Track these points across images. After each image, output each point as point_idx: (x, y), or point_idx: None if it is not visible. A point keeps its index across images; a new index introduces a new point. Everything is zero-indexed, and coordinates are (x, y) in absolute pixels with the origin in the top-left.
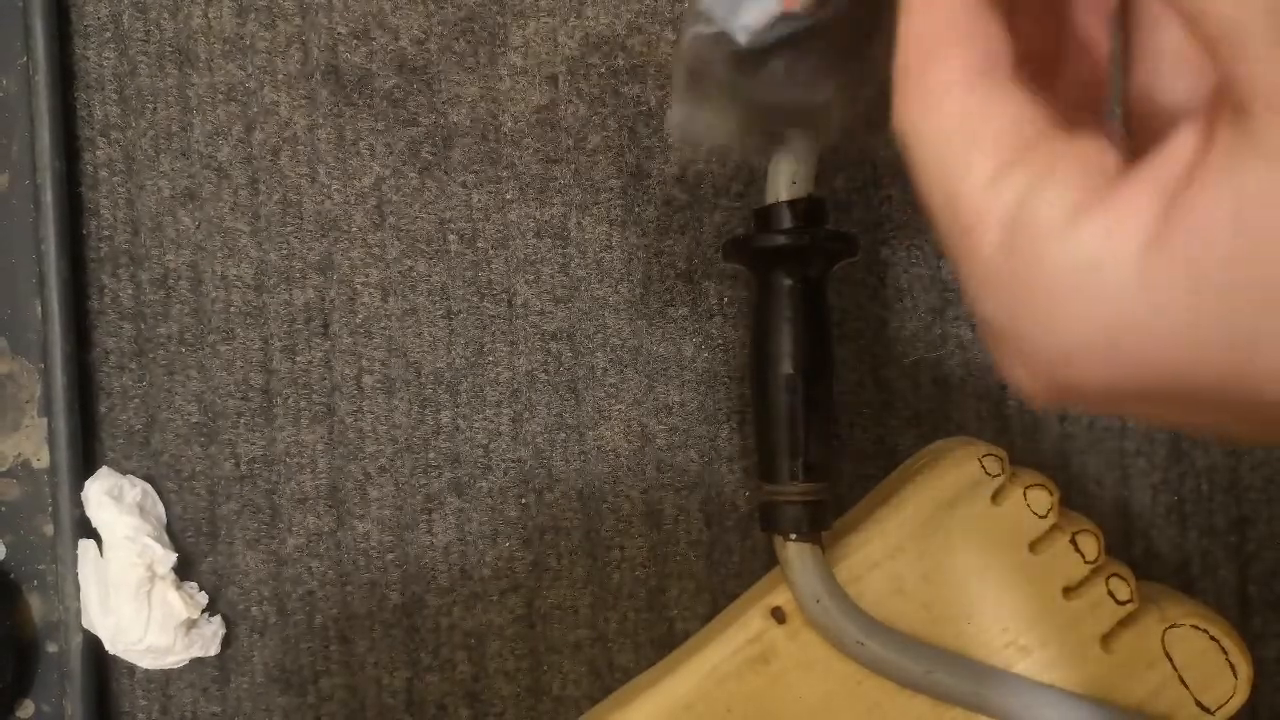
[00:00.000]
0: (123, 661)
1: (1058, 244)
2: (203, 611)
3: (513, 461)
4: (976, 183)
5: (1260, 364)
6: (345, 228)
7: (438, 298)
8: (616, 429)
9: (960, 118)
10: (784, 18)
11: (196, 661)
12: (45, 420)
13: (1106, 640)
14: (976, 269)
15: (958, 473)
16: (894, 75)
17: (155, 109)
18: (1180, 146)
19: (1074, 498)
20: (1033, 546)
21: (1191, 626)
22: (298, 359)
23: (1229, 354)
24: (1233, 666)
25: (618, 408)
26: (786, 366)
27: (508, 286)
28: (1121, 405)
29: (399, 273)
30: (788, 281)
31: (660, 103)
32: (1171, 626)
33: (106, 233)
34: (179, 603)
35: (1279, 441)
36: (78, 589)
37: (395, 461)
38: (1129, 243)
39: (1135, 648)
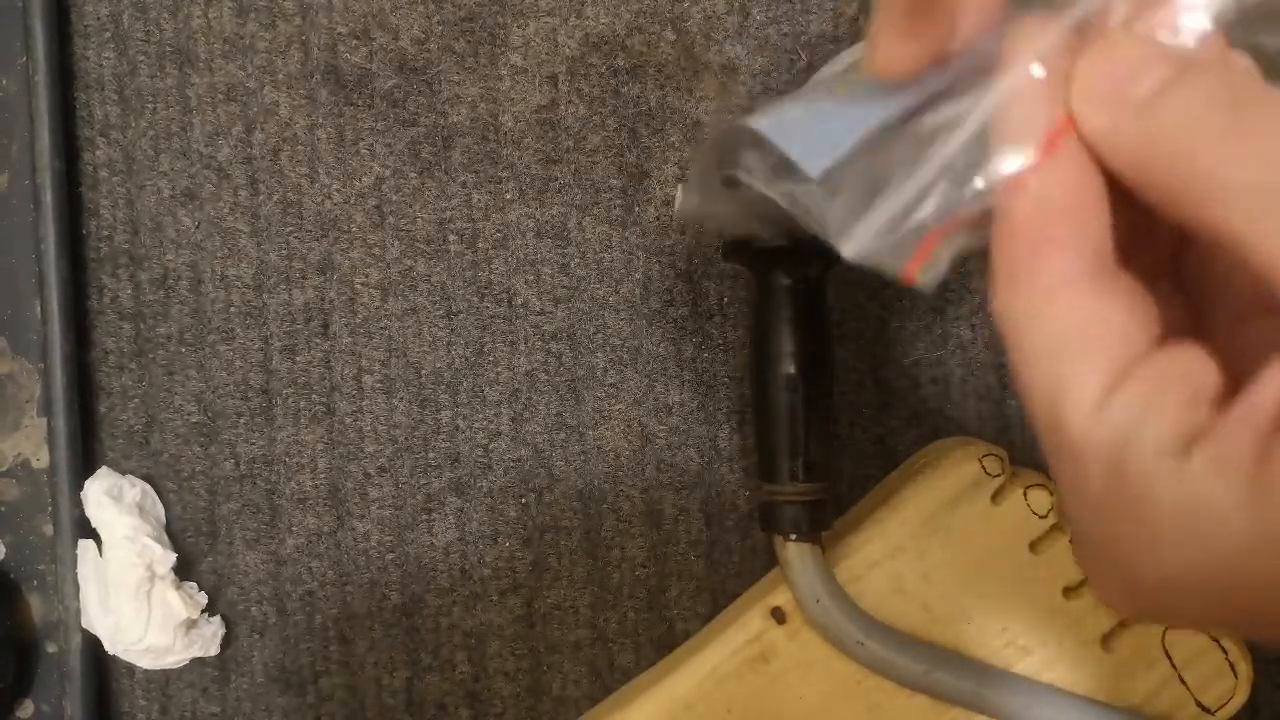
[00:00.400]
0: (122, 661)
1: (1166, 477)
2: (202, 611)
3: (513, 461)
4: (1085, 403)
5: None
6: (345, 228)
7: (438, 298)
8: (616, 429)
9: (1071, 325)
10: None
11: (196, 661)
12: (45, 420)
13: (1107, 640)
14: (1080, 491)
15: (958, 473)
16: (995, 261)
17: (155, 109)
18: (1272, 380)
19: None
20: (1033, 546)
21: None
22: (297, 359)
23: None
24: (1233, 666)
25: (618, 408)
26: (786, 366)
27: (508, 286)
28: (1210, 626)
29: (399, 273)
30: (788, 281)
31: (660, 103)
32: (1172, 626)
33: (106, 233)
34: (179, 603)
35: None
36: (77, 589)
37: (395, 461)
38: (1234, 479)
39: (1135, 648)
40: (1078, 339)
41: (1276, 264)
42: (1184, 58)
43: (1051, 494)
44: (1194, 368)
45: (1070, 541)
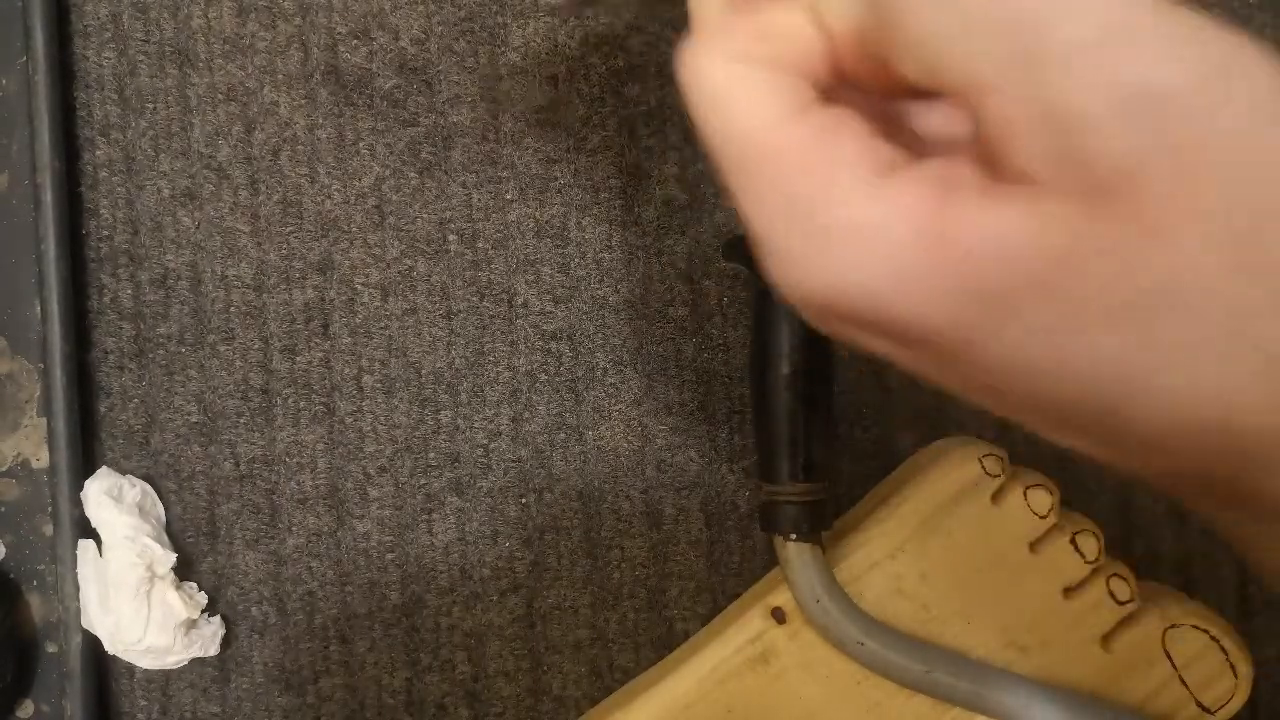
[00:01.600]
0: (122, 661)
1: (858, 191)
2: (202, 611)
3: (513, 461)
4: (784, 109)
5: (979, 338)
6: (345, 228)
7: (438, 298)
8: (616, 429)
9: (757, 66)
10: None
11: (196, 662)
12: (45, 420)
13: (1107, 640)
14: (761, 195)
15: (958, 473)
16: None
17: (155, 109)
18: (955, 165)
19: (1074, 498)
20: (1033, 546)
21: (1192, 626)
22: (297, 359)
23: (960, 329)
24: (1233, 666)
25: (618, 408)
26: (786, 366)
27: (508, 286)
28: (868, 337)
29: (399, 273)
30: None
31: (660, 103)
32: (1172, 626)
33: (106, 233)
34: (178, 603)
35: (990, 404)
36: (77, 589)
37: (395, 461)
38: (918, 208)
39: (1135, 648)
40: (780, 48)
41: (998, 114)
42: None
43: (1052, 494)
44: (862, 125)
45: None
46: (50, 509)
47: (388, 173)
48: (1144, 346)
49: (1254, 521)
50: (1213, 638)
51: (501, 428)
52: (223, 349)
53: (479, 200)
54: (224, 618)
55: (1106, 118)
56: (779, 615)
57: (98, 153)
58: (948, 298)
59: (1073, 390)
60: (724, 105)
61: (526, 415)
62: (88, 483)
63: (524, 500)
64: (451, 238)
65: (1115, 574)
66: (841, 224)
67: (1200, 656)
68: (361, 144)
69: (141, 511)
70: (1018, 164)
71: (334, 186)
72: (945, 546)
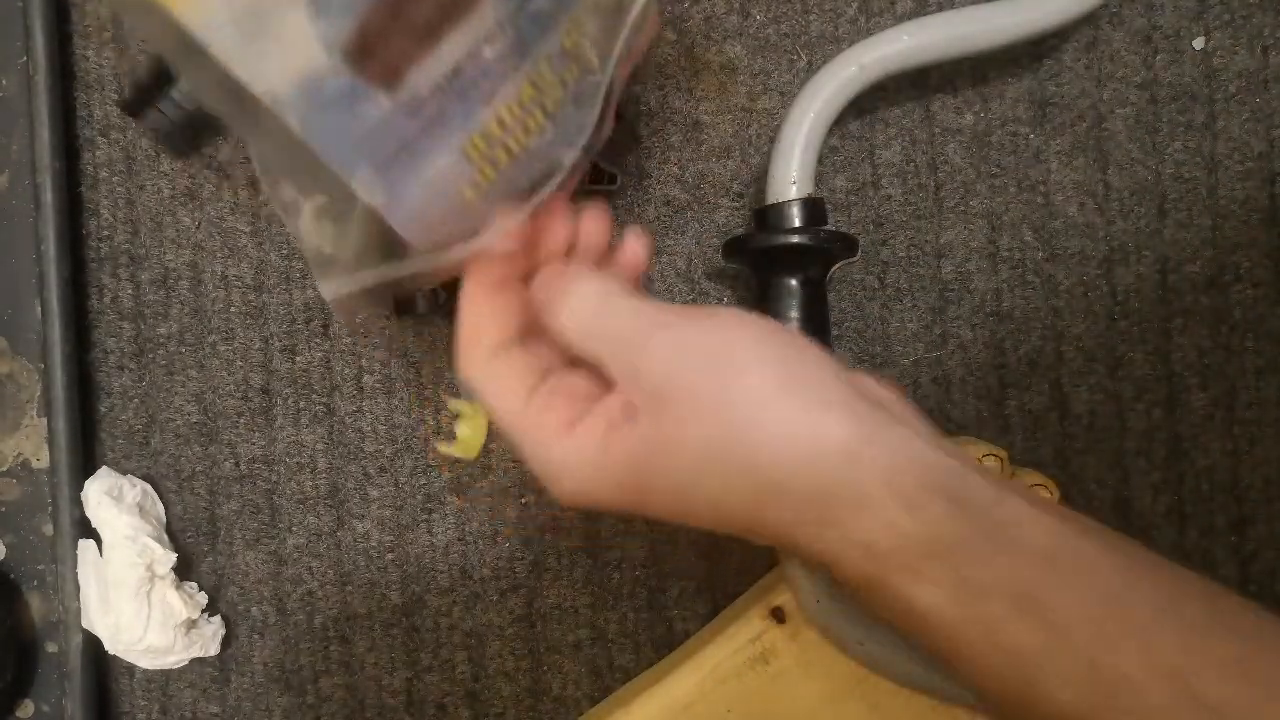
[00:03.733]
0: (122, 661)
1: (559, 442)
2: (202, 611)
3: (512, 461)
4: (514, 408)
5: (647, 504)
6: None
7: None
8: None
9: (500, 371)
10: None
11: (196, 661)
12: (45, 420)
13: None
14: (526, 448)
15: None
16: (457, 345)
17: None
18: (613, 401)
19: (1074, 497)
20: None
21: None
22: (298, 359)
23: (633, 500)
24: None
25: None
26: None
27: None
28: (596, 507)
29: None
30: (788, 281)
31: (659, 103)
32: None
33: (106, 232)
34: (179, 603)
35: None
36: (77, 589)
37: (395, 461)
38: (591, 445)
39: None
40: (504, 376)
41: (604, 365)
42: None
43: (1051, 493)
44: (572, 382)
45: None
46: (50, 509)
47: None
48: (709, 495)
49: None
50: None
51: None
52: (223, 349)
53: None
54: (224, 618)
55: (653, 366)
56: (779, 615)
57: (98, 152)
58: (622, 486)
59: (699, 517)
60: (491, 398)
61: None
62: (88, 483)
63: (524, 500)
64: None
65: None
66: (558, 461)
67: None
68: None
69: (142, 511)
70: (622, 395)
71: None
72: None
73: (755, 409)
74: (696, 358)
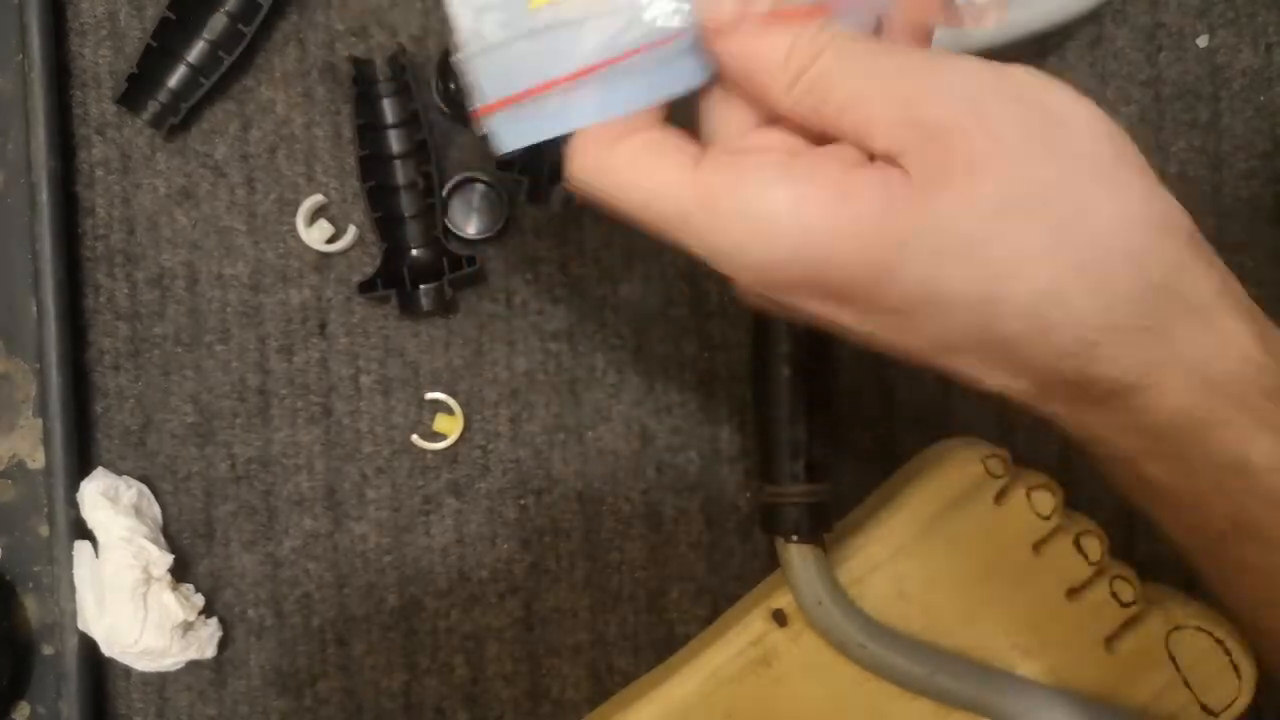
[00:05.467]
0: (119, 664)
1: (770, 189)
2: (199, 613)
3: (511, 462)
4: (677, 174)
5: (891, 277)
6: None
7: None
8: (616, 429)
9: (640, 150)
10: None
11: (193, 664)
12: (40, 420)
13: (1110, 642)
14: (705, 215)
15: (960, 474)
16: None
17: None
18: (844, 149)
19: (1077, 499)
20: (1036, 548)
21: (1196, 628)
22: (294, 359)
23: (873, 268)
24: (1237, 668)
25: (618, 408)
26: (787, 367)
27: (506, 285)
28: (799, 296)
29: None
30: None
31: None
32: (1176, 628)
33: (102, 232)
34: (175, 604)
35: (900, 348)
36: (73, 591)
37: (393, 462)
38: (823, 188)
39: (1139, 650)
40: (655, 145)
41: (863, 124)
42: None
43: (1055, 495)
44: (775, 141)
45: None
46: (46, 510)
47: None
48: (989, 273)
49: (1103, 424)
50: (1216, 639)
51: (500, 428)
52: (219, 349)
53: None
54: (221, 619)
55: (934, 99)
56: (780, 618)
57: (94, 151)
58: (864, 243)
59: (955, 317)
60: (632, 183)
61: (525, 416)
62: (84, 483)
63: (523, 502)
64: None
65: (1119, 575)
66: (770, 212)
67: (1204, 658)
68: None
69: (138, 512)
70: (884, 149)
71: (331, 185)
72: (948, 548)
73: (1086, 168)
74: (1007, 104)
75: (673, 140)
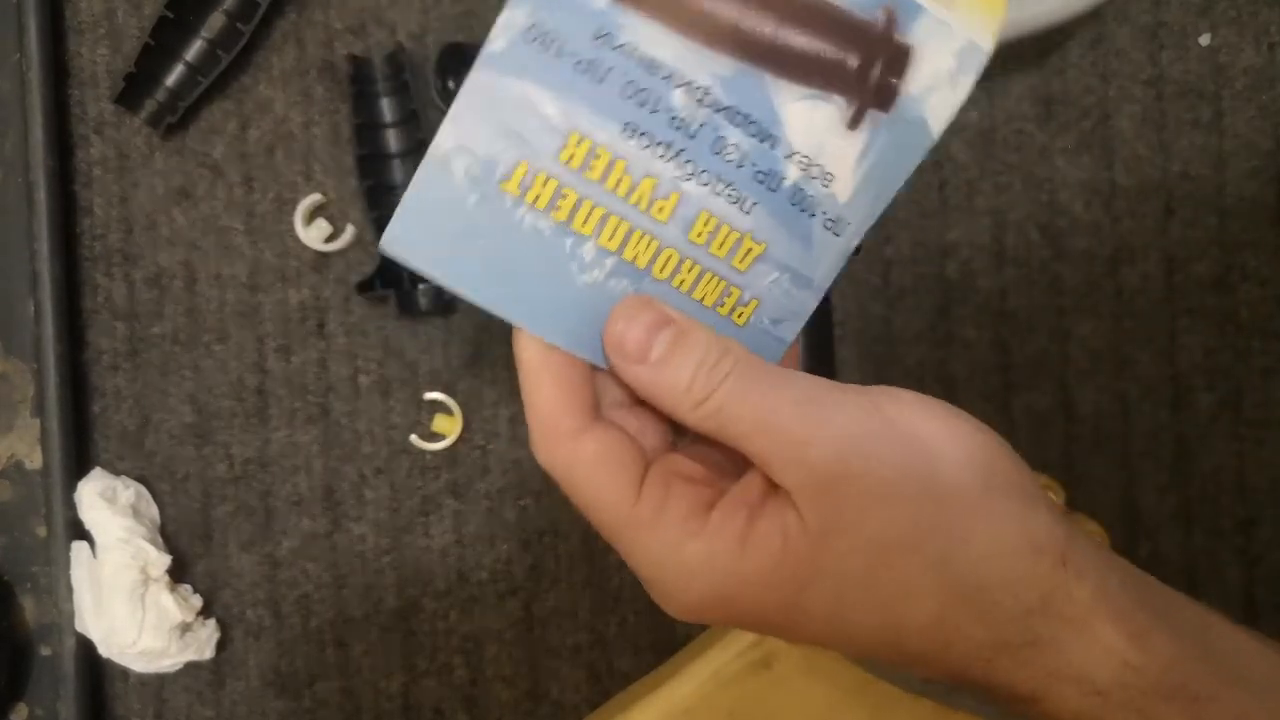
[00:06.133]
0: (117, 665)
1: (687, 542)
2: (197, 614)
3: (510, 463)
4: (620, 504)
5: (797, 615)
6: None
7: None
8: None
9: (593, 458)
10: None
11: (191, 665)
12: (38, 421)
13: None
14: (639, 552)
15: None
16: (530, 426)
17: None
18: (751, 484)
19: (1080, 498)
20: None
21: None
22: (293, 359)
23: (782, 610)
24: None
25: None
26: None
27: None
28: (741, 624)
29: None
30: None
31: None
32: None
33: (100, 231)
34: (173, 606)
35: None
36: (71, 591)
37: (391, 463)
38: (729, 543)
39: None
40: (606, 458)
41: (760, 455)
42: (677, 319)
43: (1057, 495)
44: (689, 468)
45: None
46: (44, 511)
47: None
48: (885, 604)
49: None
50: None
51: (499, 429)
52: (217, 349)
53: None
54: (219, 621)
55: (820, 444)
56: None
57: (92, 150)
58: (769, 591)
59: (865, 639)
60: (584, 491)
61: (525, 416)
62: (81, 484)
63: (522, 502)
64: None
65: None
66: (687, 566)
67: None
68: None
69: (135, 513)
70: (782, 484)
71: (329, 184)
72: None
73: (957, 503)
74: (883, 444)
75: (622, 452)
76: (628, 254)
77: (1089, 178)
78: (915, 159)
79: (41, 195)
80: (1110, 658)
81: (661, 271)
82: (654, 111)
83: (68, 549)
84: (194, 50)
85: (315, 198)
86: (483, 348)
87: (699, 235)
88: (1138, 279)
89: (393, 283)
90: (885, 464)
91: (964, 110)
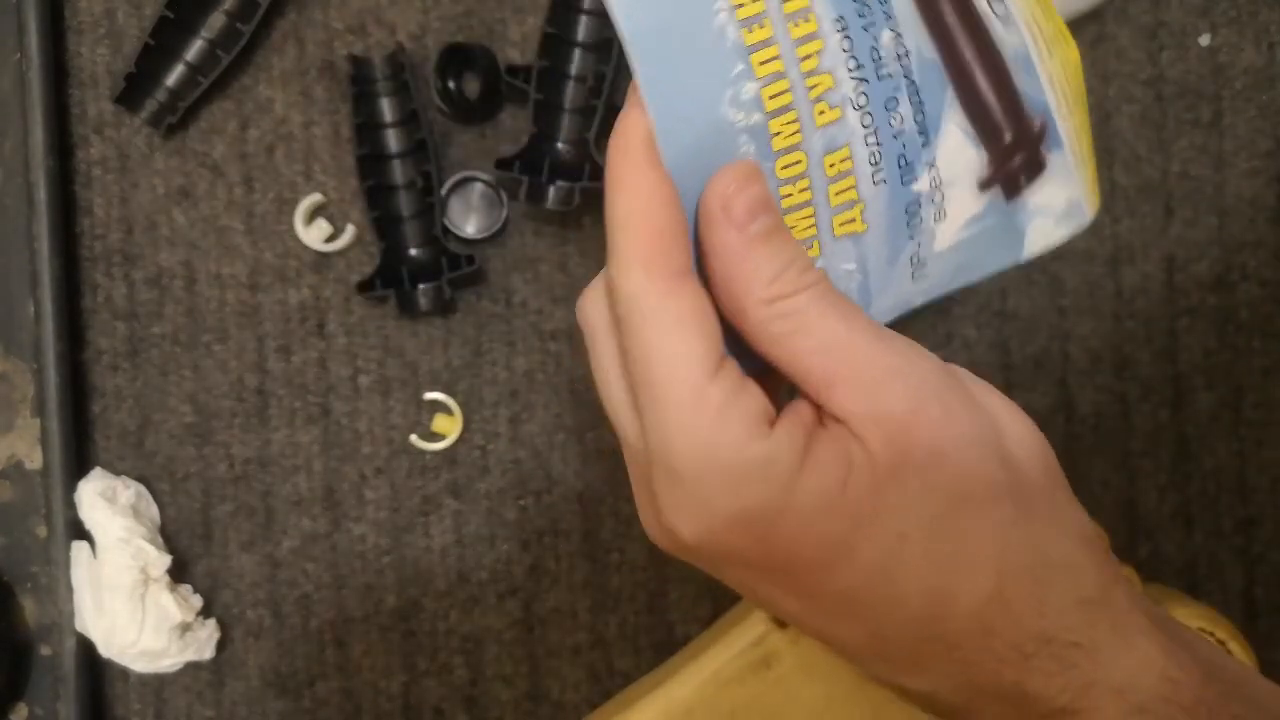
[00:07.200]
0: (117, 665)
1: (753, 442)
2: (197, 614)
3: (510, 463)
4: (697, 374)
5: (852, 544)
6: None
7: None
8: None
9: (685, 307)
10: None
11: (191, 665)
12: (38, 420)
13: None
14: (690, 434)
15: None
16: (619, 244)
17: None
18: (803, 407)
19: (1080, 499)
20: None
21: (1198, 629)
22: (293, 359)
23: (840, 530)
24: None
25: None
26: None
27: (505, 285)
28: (732, 565)
29: None
30: None
31: None
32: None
33: (100, 231)
34: (173, 606)
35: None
36: (71, 592)
37: (391, 463)
38: (791, 449)
39: None
40: (700, 315)
41: (827, 376)
42: (779, 219)
43: None
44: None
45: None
46: (44, 511)
47: None
48: (944, 566)
49: None
50: (1218, 640)
51: (499, 429)
52: (217, 349)
53: None
54: (219, 621)
55: (899, 385)
56: (781, 620)
57: (92, 150)
58: (815, 515)
59: (904, 608)
60: (664, 342)
61: (525, 416)
62: (81, 484)
63: (522, 503)
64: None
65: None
66: (749, 462)
67: None
68: None
69: (136, 513)
70: (842, 417)
71: (330, 184)
72: None
73: (1024, 477)
74: (957, 400)
75: (714, 320)
76: (773, 126)
77: None
78: (1001, 262)
79: (41, 195)
80: (1149, 670)
81: (784, 170)
82: (865, 29)
83: (68, 549)
84: (194, 50)
85: (315, 198)
86: (483, 348)
87: (832, 166)
88: (1138, 279)
89: (393, 283)
90: (960, 419)
91: None
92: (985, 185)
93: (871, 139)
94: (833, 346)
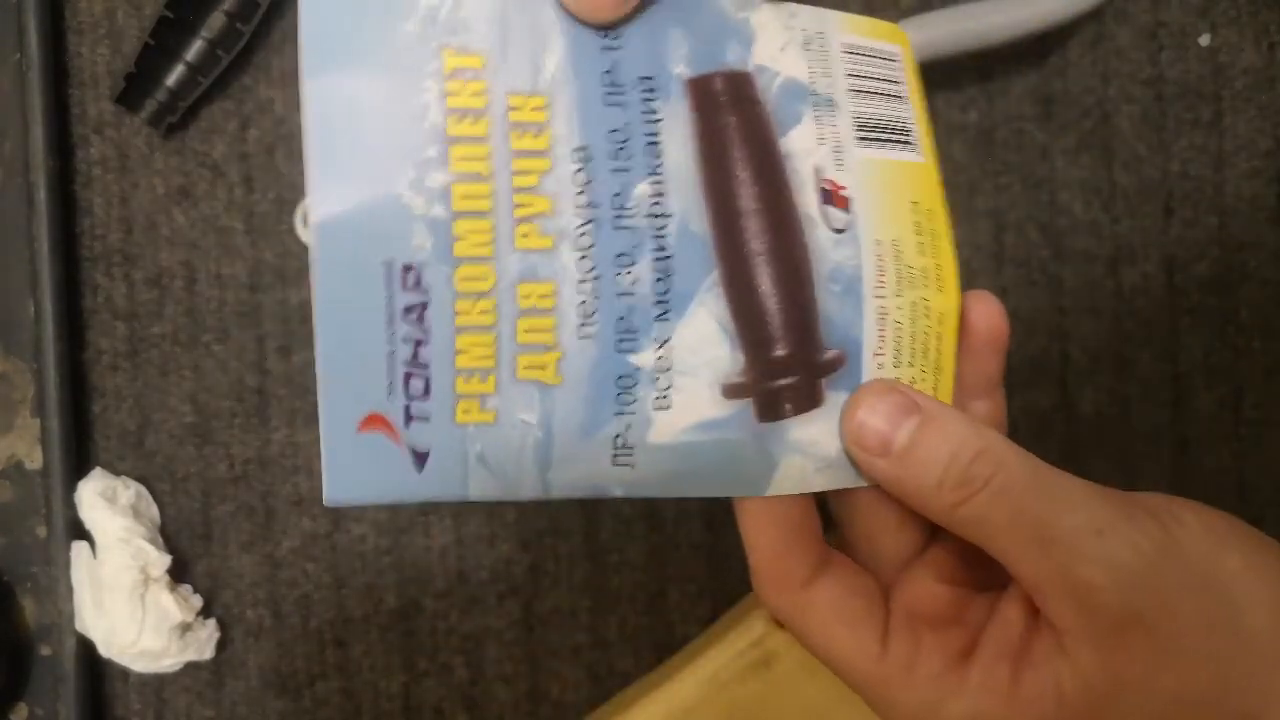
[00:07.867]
0: (117, 665)
1: (952, 699)
2: (197, 614)
3: None
4: (867, 658)
5: None
6: None
7: None
8: None
9: (832, 610)
10: None
11: (191, 665)
12: (38, 421)
13: None
14: (891, 710)
15: None
16: (755, 577)
17: None
18: (1010, 619)
19: None
20: None
21: None
22: (293, 358)
23: None
24: None
25: None
26: None
27: None
28: None
29: None
30: None
31: None
32: None
33: (100, 231)
34: (173, 606)
35: None
36: (71, 592)
37: None
38: (996, 694)
39: None
40: (840, 609)
41: (1031, 582)
42: (925, 405)
43: None
44: (925, 604)
45: None
46: (44, 511)
47: None
48: None
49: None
50: None
51: None
52: (217, 349)
53: None
54: (219, 621)
55: (1108, 585)
56: None
57: (92, 150)
58: None
59: None
60: (821, 643)
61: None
62: (81, 484)
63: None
64: None
65: None
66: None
67: None
68: None
69: (135, 513)
70: (1048, 617)
71: None
72: None
73: (1263, 656)
74: (1178, 583)
75: (859, 601)
76: (458, 228)
77: (1089, 178)
78: (737, 488)
79: (41, 195)
80: None
81: (464, 283)
82: (614, 171)
83: (68, 549)
84: (194, 50)
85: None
86: None
87: (526, 298)
88: (1138, 279)
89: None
90: (1183, 610)
91: (963, 110)
92: (733, 393)
93: (587, 287)
94: (1030, 547)
